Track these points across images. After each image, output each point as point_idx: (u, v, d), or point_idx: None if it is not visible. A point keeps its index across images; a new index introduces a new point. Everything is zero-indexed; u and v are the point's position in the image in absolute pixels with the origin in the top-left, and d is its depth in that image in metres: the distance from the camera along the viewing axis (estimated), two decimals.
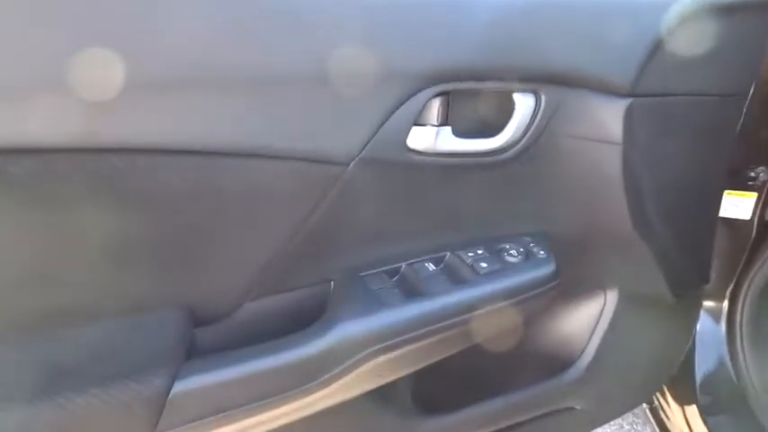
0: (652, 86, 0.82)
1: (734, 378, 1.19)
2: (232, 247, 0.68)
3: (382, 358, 0.69)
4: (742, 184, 1.19)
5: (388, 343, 0.69)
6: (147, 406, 0.58)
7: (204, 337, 0.69)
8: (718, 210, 1.10)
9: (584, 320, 0.97)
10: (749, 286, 1.17)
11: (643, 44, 0.79)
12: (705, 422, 1.18)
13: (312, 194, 0.68)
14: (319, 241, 0.72)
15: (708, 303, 1.25)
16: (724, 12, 0.84)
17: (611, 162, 0.81)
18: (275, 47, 0.61)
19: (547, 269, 0.79)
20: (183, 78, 0.57)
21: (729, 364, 1.20)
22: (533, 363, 0.97)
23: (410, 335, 0.70)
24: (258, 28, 0.61)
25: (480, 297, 0.75)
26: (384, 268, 0.75)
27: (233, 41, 0.59)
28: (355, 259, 0.75)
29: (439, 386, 0.89)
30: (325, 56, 0.63)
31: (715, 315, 1.24)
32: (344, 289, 0.73)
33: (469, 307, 0.74)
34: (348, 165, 0.69)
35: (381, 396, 0.80)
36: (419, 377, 0.85)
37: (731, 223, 1.21)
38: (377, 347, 0.68)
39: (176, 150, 0.59)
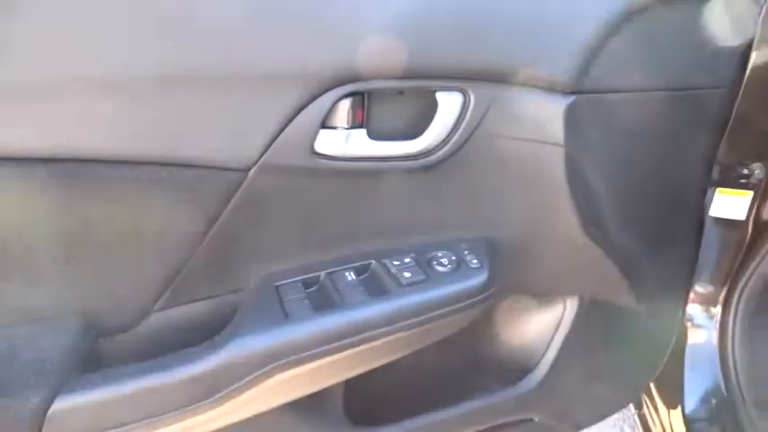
0: (598, 83, 0.75)
1: (723, 389, 1.11)
2: (133, 256, 0.66)
3: (287, 374, 0.67)
4: (735, 182, 1.10)
5: (293, 358, 0.66)
6: (22, 424, 0.57)
7: (110, 348, 0.68)
8: (701, 210, 1.02)
9: (542, 328, 0.92)
10: (743, 291, 1.08)
11: (585, 38, 0.72)
12: None
13: (212, 202, 0.66)
14: (227, 250, 0.69)
15: (699, 309, 1.17)
16: (678, 4, 0.76)
17: (554, 164, 0.75)
18: (160, 48, 0.59)
19: (477, 279, 0.74)
20: (56, 84, 0.55)
21: (720, 373, 1.12)
22: (486, 372, 0.92)
23: (319, 349, 0.67)
24: (142, 29, 0.58)
25: (400, 309, 0.70)
26: (301, 277, 0.72)
27: (113, 43, 0.57)
28: (271, 268, 0.72)
29: (377, 397, 0.85)
30: (216, 57, 0.60)
31: (707, 321, 1.15)
32: (252, 300, 0.70)
33: (387, 319, 0.70)
34: (248, 171, 0.65)
35: (306, 408, 0.78)
36: (353, 388, 0.82)
37: (725, 224, 1.12)
38: (279, 363, 0.66)
39: (66, 158, 0.57)
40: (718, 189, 1.06)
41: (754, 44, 0.88)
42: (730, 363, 1.11)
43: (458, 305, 0.73)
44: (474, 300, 0.74)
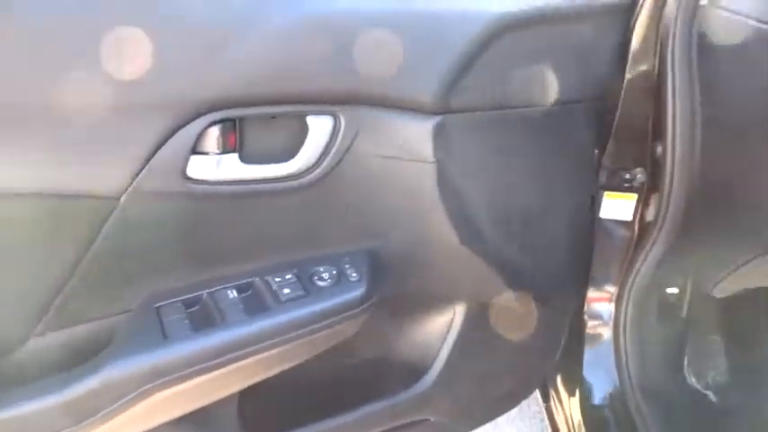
0: (467, 102, 0.79)
1: (617, 380, 1.18)
2: (8, 282, 0.67)
3: (166, 393, 0.69)
4: (621, 186, 1.16)
5: (170, 377, 0.68)
6: None
7: None
8: (589, 214, 1.08)
9: (434, 333, 0.96)
10: (631, 287, 1.15)
11: (450, 60, 0.76)
12: (587, 425, 1.18)
13: (86, 228, 0.67)
14: (106, 274, 0.71)
15: (596, 306, 1.24)
16: (541, 22, 0.81)
17: (427, 180, 0.79)
18: (26, 77, 0.60)
19: (356, 292, 0.78)
20: None
21: (614, 365, 1.19)
22: (382, 376, 0.96)
23: (197, 367, 0.70)
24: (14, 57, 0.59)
25: (278, 325, 0.74)
26: (182, 298, 0.75)
27: None
28: (153, 289, 0.74)
29: (273, 406, 0.88)
30: (82, 85, 0.62)
31: (603, 317, 1.22)
32: (131, 322, 0.72)
33: (267, 335, 0.73)
34: (119, 198, 0.67)
35: (198, 420, 0.80)
36: (248, 397, 0.85)
37: (614, 225, 1.18)
38: (156, 383, 0.68)
39: None
40: (606, 192, 1.12)
41: (629, 59, 0.94)
42: (623, 355, 1.17)
43: (337, 317, 0.77)
44: (353, 311, 0.78)
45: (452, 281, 0.91)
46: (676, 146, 0.92)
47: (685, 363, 1.31)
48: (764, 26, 0.82)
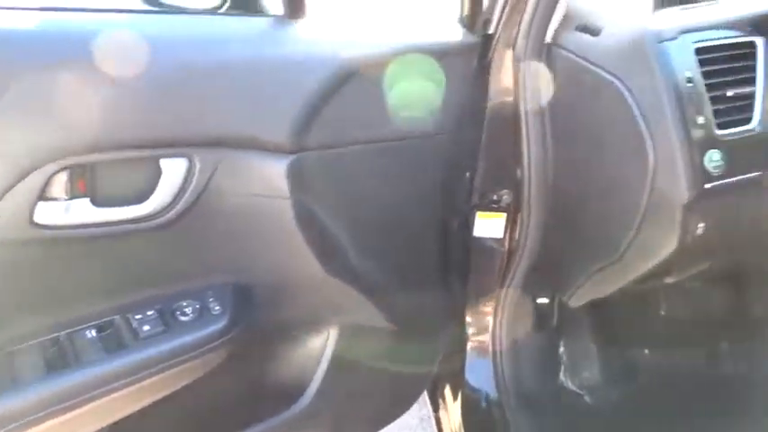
0: (321, 140, 0.83)
1: (495, 388, 1.26)
2: None
3: None
4: (491, 206, 1.23)
5: (17, 424, 0.69)
6: None
7: None
8: (462, 233, 1.15)
9: (309, 355, 1.00)
10: (505, 299, 1.22)
11: (302, 101, 0.80)
12: (467, 431, 1.25)
13: None
14: None
15: (476, 318, 1.31)
16: (389, 63, 0.86)
17: (286, 215, 0.83)
18: None
19: (218, 325, 0.80)
20: None
21: (492, 375, 1.26)
22: (260, 400, 0.99)
23: (49, 410, 0.71)
24: None
25: (136, 362, 0.75)
26: (39, 340, 0.75)
27: None
28: (10, 333, 0.74)
29: None
30: None
31: (482, 330, 1.29)
32: None
33: (125, 372, 0.75)
34: None
35: None
36: (122, 429, 0.86)
37: (487, 242, 1.25)
38: (8, 428, 0.69)
39: None
40: (478, 213, 1.19)
41: (490, 91, 1.01)
42: (499, 363, 1.25)
43: (199, 350, 0.79)
44: (216, 343, 0.80)
45: (322, 306, 0.95)
46: (532, 169, 1.00)
47: (561, 366, 1.41)
48: (593, 67, 0.91)
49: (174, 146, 0.75)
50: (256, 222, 0.83)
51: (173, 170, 0.76)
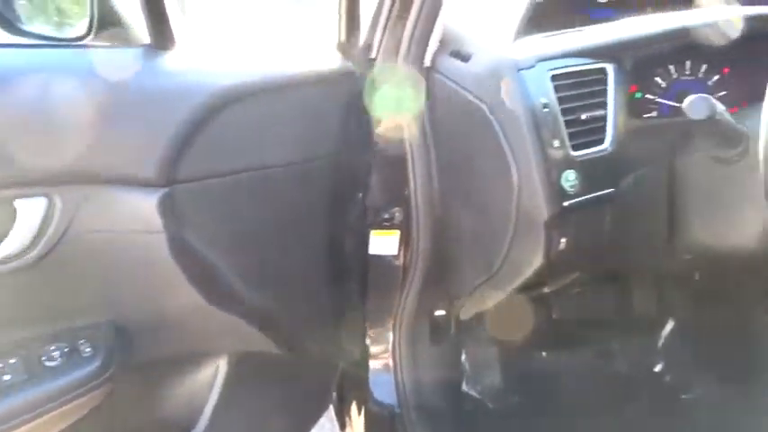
0: (194, 171, 0.82)
1: (396, 404, 1.28)
2: None
3: None
4: (385, 224, 1.25)
5: None
6: None
7: None
8: (358, 251, 1.16)
9: (198, 387, 0.99)
10: (403, 314, 1.24)
11: (171, 133, 0.78)
12: None
13: None
14: None
15: (376, 334, 1.32)
16: (267, 91, 0.87)
17: (161, 250, 0.81)
18: None
19: (89, 368, 0.78)
20: None
21: (395, 391, 1.28)
22: None
23: None
24: None
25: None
26: None
27: None
28: None
29: None
30: None
31: (383, 347, 1.30)
32: None
33: None
34: None
35: None
36: None
37: (383, 259, 1.27)
38: None
39: None
40: (373, 231, 1.21)
41: (377, 118, 1.03)
42: (400, 378, 1.27)
43: (69, 395, 0.76)
44: (87, 387, 0.78)
45: (208, 337, 0.94)
46: (418, 189, 1.03)
47: (463, 375, 1.45)
48: (464, 92, 0.95)
49: (30, 185, 0.72)
50: (129, 258, 0.81)
51: (30, 210, 0.73)
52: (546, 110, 0.83)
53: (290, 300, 1.02)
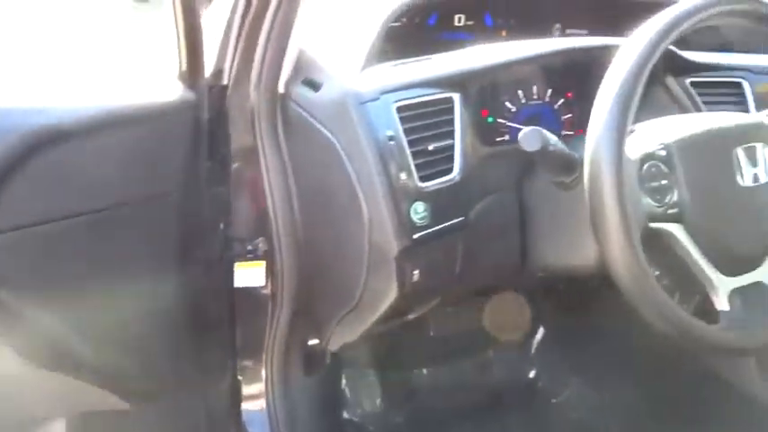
0: (6, 223, 0.73)
1: None
2: None
3: None
4: (248, 256, 1.20)
5: None
6: None
7: None
8: (220, 288, 1.10)
9: None
10: (274, 347, 1.20)
11: None
12: None
13: None
14: None
15: (248, 370, 1.27)
16: (94, 130, 0.80)
17: None
18: None
19: None
20: None
21: (267, 427, 1.23)
22: None
23: None
24: None
25: None
26: None
27: None
28: None
29: None
30: None
31: (256, 381, 1.25)
32: None
33: None
34: None
35: None
36: None
37: (250, 292, 1.22)
38: None
39: None
40: (237, 263, 1.16)
41: (232, 146, 0.98)
42: (273, 414, 1.23)
43: None
44: None
45: (43, 402, 0.85)
46: (279, 218, 0.99)
47: (344, 402, 1.43)
48: (316, 123, 0.92)
49: None
50: None
51: None
52: (392, 142, 0.82)
53: (139, 350, 0.94)
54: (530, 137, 0.76)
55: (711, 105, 1.07)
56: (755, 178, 0.76)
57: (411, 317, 1.04)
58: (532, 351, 1.62)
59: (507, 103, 1.05)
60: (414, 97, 0.87)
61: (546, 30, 1.27)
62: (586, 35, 1.26)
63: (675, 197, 0.74)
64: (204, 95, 0.93)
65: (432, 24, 1.21)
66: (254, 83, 0.94)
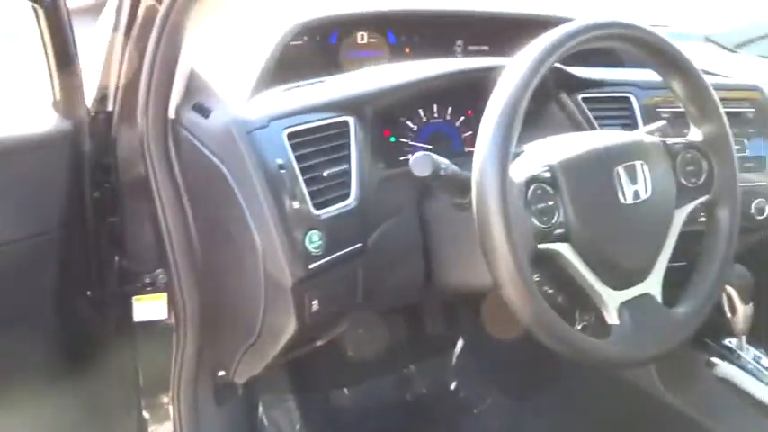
0: None
1: None
2: None
3: None
4: (149, 289, 1.15)
5: None
6: None
7: None
8: (118, 323, 1.05)
9: None
10: (180, 382, 1.14)
11: None
12: None
13: None
14: None
15: (154, 409, 1.20)
16: None
17: None
18: None
19: None
20: None
21: None
22: None
23: None
24: None
25: None
26: None
27: None
28: None
29: None
30: None
31: (163, 419, 1.19)
32: None
33: None
34: None
35: None
36: None
37: (152, 326, 1.16)
38: None
39: None
40: (135, 297, 1.09)
41: (120, 171, 0.93)
42: None
43: None
44: None
45: None
46: (175, 248, 0.95)
47: (262, 428, 1.39)
48: (205, 150, 0.89)
49: None
50: None
51: None
52: (283, 171, 0.80)
53: (27, 402, 0.88)
54: (420, 162, 0.76)
55: (603, 120, 1.11)
56: (636, 195, 0.79)
57: (320, 343, 1.01)
58: (453, 363, 1.63)
59: (409, 123, 1.05)
60: (305, 123, 0.85)
61: (449, 46, 1.28)
62: (487, 51, 1.28)
63: (561, 217, 0.75)
64: (84, 124, 0.87)
65: (333, 42, 1.20)
66: (141, 108, 0.90)
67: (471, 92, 1.03)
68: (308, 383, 1.46)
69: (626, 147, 0.81)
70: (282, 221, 0.79)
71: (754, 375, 1.12)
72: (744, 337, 1.18)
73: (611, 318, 0.78)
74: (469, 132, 1.12)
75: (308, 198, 0.82)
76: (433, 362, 1.65)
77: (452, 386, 1.63)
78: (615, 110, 1.11)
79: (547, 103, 1.13)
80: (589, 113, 1.11)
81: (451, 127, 1.12)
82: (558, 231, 0.75)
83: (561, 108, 1.12)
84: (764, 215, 1.16)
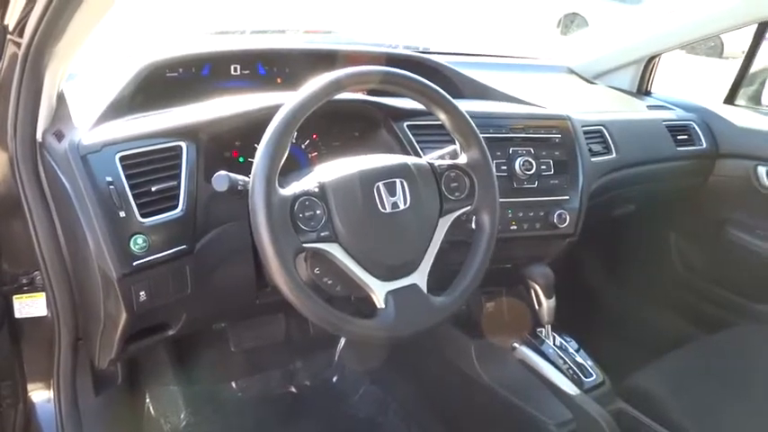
0: None
1: None
2: None
3: None
4: (28, 288, 1.29)
5: None
6: None
7: None
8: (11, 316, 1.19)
9: None
10: (59, 373, 1.28)
11: None
12: None
13: None
14: None
15: (36, 399, 1.33)
16: None
17: None
18: None
19: None
20: None
21: None
22: None
23: None
24: None
25: None
26: None
27: None
28: None
29: None
30: None
31: (46, 413, 1.32)
32: None
33: None
34: None
35: None
36: None
37: (34, 322, 1.30)
38: None
39: None
40: (15, 296, 1.26)
41: None
42: None
43: None
44: None
45: None
46: (44, 253, 1.12)
47: (149, 419, 1.53)
48: (59, 171, 1.06)
49: None
50: None
51: None
52: (111, 186, 0.98)
53: None
54: (218, 180, 0.95)
55: (425, 144, 1.31)
56: (395, 205, 0.99)
57: (171, 332, 1.18)
58: (335, 359, 1.80)
59: (255, 145, 1.24)
60: (138, 147, 1.03)
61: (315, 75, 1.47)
62: None
63: (329, 223, 0.95)
64: None
65: (206, 75, 1.38)
66: (10, 133, 1.07)
67: (316, 118, 1.22)
68: (193, 375, 1.62)
69: (387, 167, 1.01)
70: (109, 227, 0.97)
71: (547, 359, 1.33)
72: (549, 326, 1.38)
73: (379, 303, 0.97)
74: (315, 153, 1.32)
75: (134, 208, 1.00)
76: (317, 357, 1.82)
77: (334, 380, 1.80)
78: (436, 135, 1.30)
79: (377, 129, 1.33)
80: (412, 138, 1.31)
81: (298, 148, 1.31)
82: (324, 233, 0.95)
83: (391, 133, 1.32)
84: (565, 224, 1.37)
